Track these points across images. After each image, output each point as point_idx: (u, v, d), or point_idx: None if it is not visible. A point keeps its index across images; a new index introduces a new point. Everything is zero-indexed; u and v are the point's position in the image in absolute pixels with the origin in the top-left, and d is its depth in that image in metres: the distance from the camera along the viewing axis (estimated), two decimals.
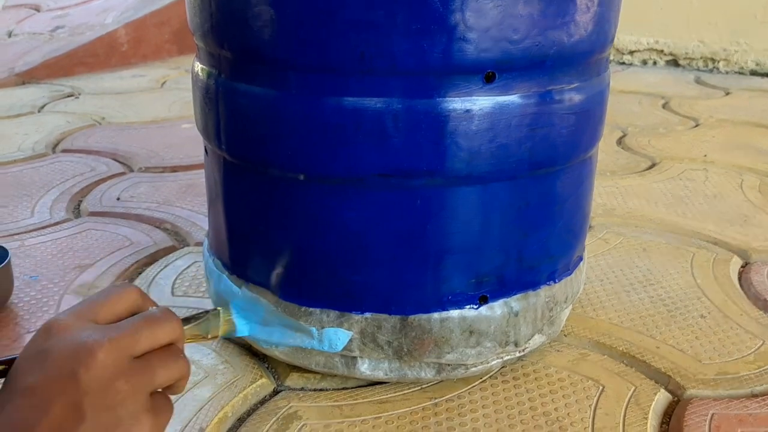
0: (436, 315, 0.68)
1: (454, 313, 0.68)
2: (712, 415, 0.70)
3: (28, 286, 0.95)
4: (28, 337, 0.83)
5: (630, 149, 1.55)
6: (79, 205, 1.26)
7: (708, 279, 0.97)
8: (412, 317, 0.68)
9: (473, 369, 0.72)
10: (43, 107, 1.96)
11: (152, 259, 1.04)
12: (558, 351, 0.81)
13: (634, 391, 0.74)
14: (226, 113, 0.67)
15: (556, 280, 0.74)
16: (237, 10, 0.62)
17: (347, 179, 0.63)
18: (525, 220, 0.68)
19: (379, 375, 0.72)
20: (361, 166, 0.62)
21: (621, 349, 0.81)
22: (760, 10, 2.24)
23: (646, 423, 0.69)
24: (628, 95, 2.04)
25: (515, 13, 0.59)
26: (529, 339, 0.73)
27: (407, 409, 0.71)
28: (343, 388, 0.75)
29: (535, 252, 0.70)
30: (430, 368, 0.71)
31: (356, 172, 0.63)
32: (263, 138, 0.65)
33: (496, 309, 0.70)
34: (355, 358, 0.71)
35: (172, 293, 0.93)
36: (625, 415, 0.70)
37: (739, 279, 0.99)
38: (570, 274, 0.76)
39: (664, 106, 1.92)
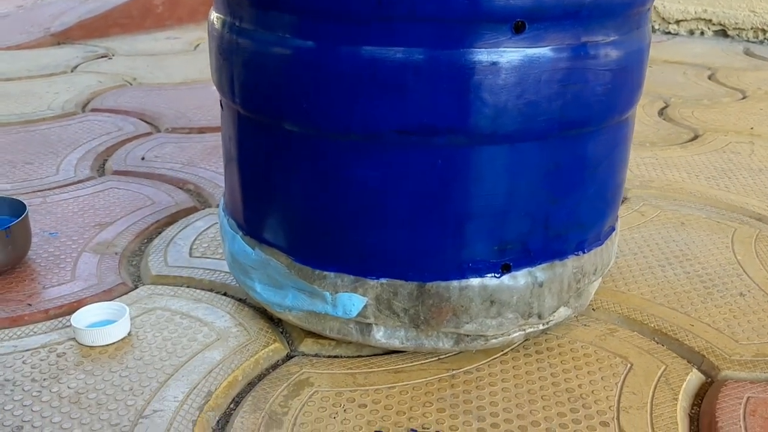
0: (455, 283, 0.65)
1: (475, 281, 0.65)
2: (748, 398, 0.66)
3: (46, 243, 0.94)
4: (44, 294, 0.82)
5: (672, 120, 1.48)
6: (104, 164, 1.24)
7: (749, 256, 0.92)
8: (429, 284, 0.65)
9: (493, 341, 0.69)
10: (76, 67, 1.95)
11: (172, 219, 1.02)
12: (585, 325, 0.77)
13: (665, 370, 0.70)
14: (239, 63, 0.64)
15: (585, 250, 0.69)
16: None
17: (364, 135, 0.60)
18: (554, 184, 0.64)
19: (395, 344, 0.69)
20: (379, 121, 0.59)
21: (653, 325, 0.77)
22: None
23: (676, 404, 0.65)
24: (673, 65, 1.95)
25: None
26: (554, 311, 0.70)
27: (423, 380, 0.68)
28: (359, 356, 0.72)
29: (564, 219, 0.66)
30: (448, 338, 0.68)
31: (373, 127, 0.59)
32: (276, 89, 0.61)
33: (519, 278, 0.66)
34: (370, 325, 0.68)
35: (190, 254, 0.91)
36: (653, 395, 0.66)
37: None
38: (601, 245, 0.71)
39: (710, 77, 1.84)
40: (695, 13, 2.31)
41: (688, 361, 0.72)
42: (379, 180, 0.61)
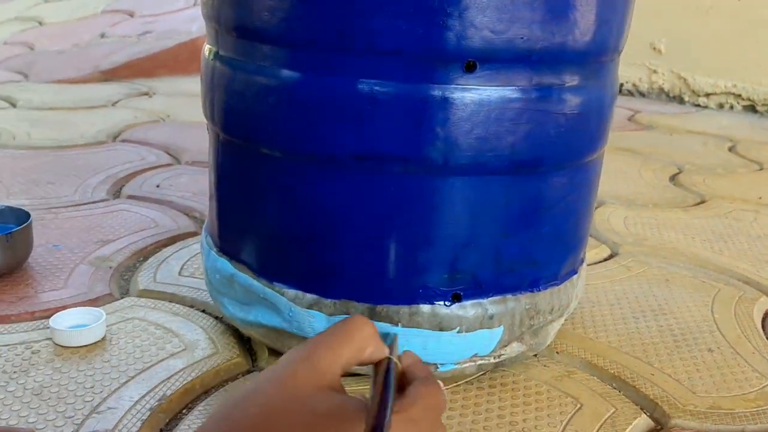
0: (405, 308, 0.67)
1: (425, 307, 0.67)
2: None
3: (49, 253, 1.00)
4: (34, 297, 0.87)
5: (681, 186, 1.49)
6: (120, 189, 1.31)
7: (727, 314, 0.92)
8: (380, 307, 0.67)
9: (442, 369, 0.70)
10: (117, 102, 2.05)
11: (172, 241, 1.07)
12: (545, 366, 0.78)
13: (614, 413, 0.70)
14: (218, 88, 0.69)
15: (540, 288, 0.71)
16: None
17: (323, 158, 0.64)
18: (505, 220, 0.66)
19: None
20: (337, 146, 0.63)
21: (612, 371, 0.78)
22: None
23: None
24: (695, 136, 1.96)
25: (501, 2, 0.58)
26: (506, 346, 0.71)
27: None
28: None
29: (516, 255, 0.68)
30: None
31: (332, 151, 0.63)
32: (245, 113, 0.66)
33: (468, 309, 0.68)
34: None
35: (180, 273, 0.96)
36: None
37: (764, 319, 0.93)
38: (558, 285, 0.73)
39: (730, 149, 1.84)
40: (725, 87, 2.33)
41: (640, 407, 0.72)
42: (335, 202, 0.65)
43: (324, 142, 0.63)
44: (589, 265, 1.06)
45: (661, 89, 2.45)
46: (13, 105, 1.95)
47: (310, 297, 0.68)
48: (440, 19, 0.58)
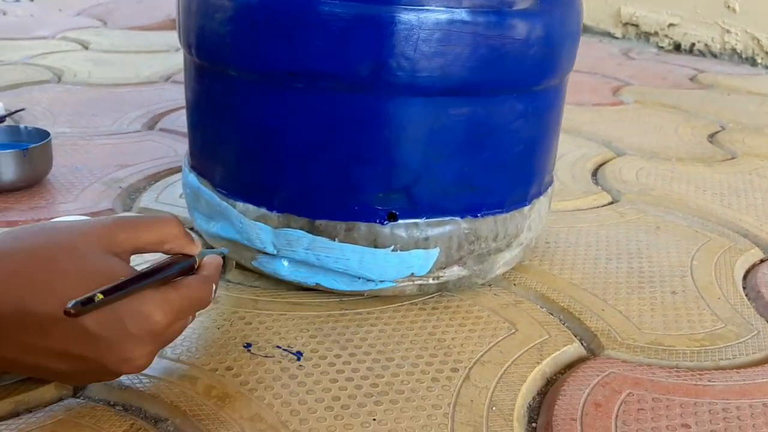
0: (342, 224, 0.70)
1: (362, 225, 0.70)
2: (610, 373, 0.67)
3: (70, 173, 1.08)
4: (45, 208, 0.95)
5: (717, 143, 1.44)
6: (156, 123, 1.39)
7: (706, 262, 0.90)
8: (318, 222, 0.71)
9: (381, 285, 0.73)
10: (179, 49, 2.14)
11: None
12: (495, 295, 0.80)
13: (546, 339, 0.72)
14: (183, 10, 0.74)
15: (481, 214, 0.73)
16: None
17: (265, 75, 0.67)
18: (438, 143, 0.68)
19: (298, 279, 0.75)
20: (273, 63, 0.66)
21: (563, 304, 0.79)
22: None
23: (536, 367, 0.67)
24: (754, 96, 1.87)
25: None
26: (444, 268, 0.74)
27: (314, 313, 0.74)
28: (275, 289, 0.79)
29: (452, 178, 0.70)
30: (343, 277, 0.74)
31: (270, 68, 0.66)
32: (203, 32, 0.70)
33: (404, 228, 0.71)
34: (276, 257, 0.75)
35: (180, 195, 1.02)
36: (519, 357, 0.69)
37: (749, 270, 0.91)
38: (503, 213, 0.75)
39: None
40: None
41: (579, 338, 0.73)
42: (276, 120, 0.69)
43: (263, 60, 0.66)
44: (581, 210, 1.06)
45: (734, 50, 2.34)
46: (85, 47, 2.08)
47: (257, 210, 0.73)
48: None
